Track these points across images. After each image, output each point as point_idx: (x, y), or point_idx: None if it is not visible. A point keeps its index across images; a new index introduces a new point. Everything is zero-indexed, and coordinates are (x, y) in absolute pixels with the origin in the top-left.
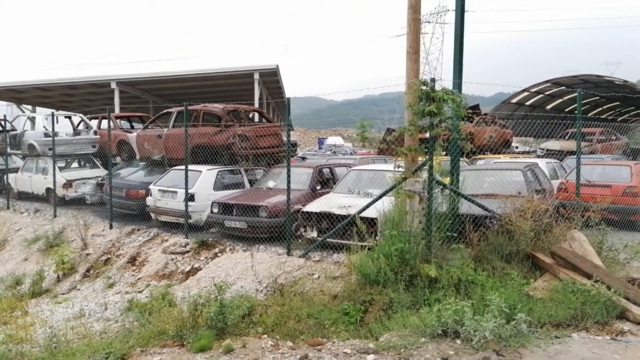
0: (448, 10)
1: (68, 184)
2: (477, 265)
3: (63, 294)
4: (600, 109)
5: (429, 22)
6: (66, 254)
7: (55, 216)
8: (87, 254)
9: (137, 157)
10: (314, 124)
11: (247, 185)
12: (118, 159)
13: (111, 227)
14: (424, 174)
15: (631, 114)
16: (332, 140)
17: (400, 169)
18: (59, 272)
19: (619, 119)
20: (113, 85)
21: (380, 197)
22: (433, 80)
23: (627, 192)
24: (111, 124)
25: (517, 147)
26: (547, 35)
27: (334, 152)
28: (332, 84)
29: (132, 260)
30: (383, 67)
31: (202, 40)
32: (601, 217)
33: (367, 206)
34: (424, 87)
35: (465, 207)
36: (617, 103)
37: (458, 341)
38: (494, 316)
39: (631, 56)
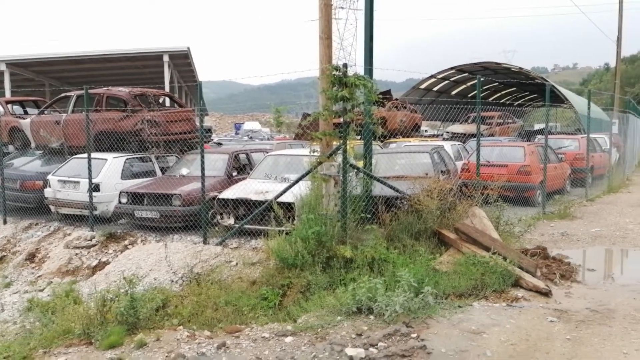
0: None
1: None
2: (389, 244)
3: None
4: (499, 94)
5: (342, 7)
6: None
7: None
8: None
9: (32, 145)
10: (229, 109)
11: (159, 173)
12: (10, 148)
13: (5, 222)
14: (339, 158)
15: (526, 98)
16: (249, 125)
17: (315, 154)
18: None
19: (515, 104)
20: (2, 67)
21: (296, 181)
22: (345, 65)
23: (521, 170)
24: (1, 109)
25: (426, 131)
26: (454, 25)
27: (251, 137)
28: (248, 68)
29: (31, 257)
30: (300, 52)
31: (111, 25)
32: (499, 194)
33: (284, 191)
34: (336, 73)
35: (378, 189)
36: (514, 89)
37: (371, 317)
38: (404, 291)
39: (526, 45)
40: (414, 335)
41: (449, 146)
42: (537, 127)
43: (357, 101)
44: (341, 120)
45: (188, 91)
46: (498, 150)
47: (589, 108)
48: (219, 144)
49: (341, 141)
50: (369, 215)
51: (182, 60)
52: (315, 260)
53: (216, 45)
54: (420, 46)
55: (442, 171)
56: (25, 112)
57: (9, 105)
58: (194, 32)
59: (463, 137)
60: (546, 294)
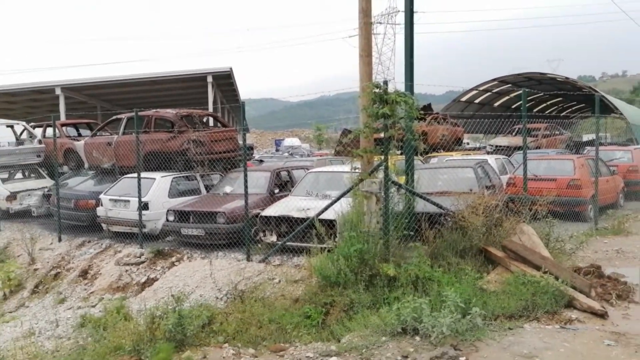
0: (398, 11)
1: (12, 197)
2: (433, 262)
3: (10, 312)
4: (544, 104)
5: (380, 23)
6: (12, 270)
7: None
8: (35, 269)
9: (86, 166)
10: (270, 126)
11: (204, 191)
12: (65, 168)
13: (60, 239)
14: (380, 175)
15: (573, 108)
16: (289, 141)
17: (357, 171)
18: (5, 290)
19: (562, 114)
20: (58, 92)
21: (338, 199)
22: (386, 82)
23: (571, 184)
24: (57, 131)
25: (468, 143)
26: (494, 34)
27: (291, 154)
28: (288, 85)
29: (84, 274)
30: (338, 66)
31: (156, 43)
32: (548, 209)
33: (326, 208)
34: (377, 90)
35: (420, 206)
36: (560, 99)
37: (417, 338)
38: (450, 311)
39: (572, 53)
40: (462, 359)
41: (493, 160)
42: (585, 138)
43: (397, 117)
44: (382, 135)
45: (231, 110)
46: (546, 163)
47: None
48: (261, 161)
49: (382, 158)
50: (411, 233)
51: (224, 81)
52: (358, 279)
53: (257, 63)
54: (460, 56)
55: (486, 186)
56: (79, 134)
57: (64, 128)
58: (235, 51)
59: (508, 150)
60: (602, 315)
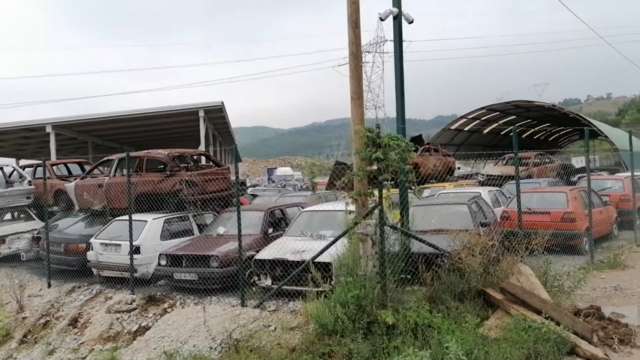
0: (386, 40)
1: (0, 240)
2: (432, 306)
3: None
4: (533, 130)
5: (368, 52)
6: (0, 320)
7: None
8: (24, 318)
9: (76, 207)
10: (262, 153)
11: (197, 231)
12: (56, 209)
13: (49, 285)
14: (376, 215)
15: (561, 133)
16: (282, 170)
17: (351, 215)
18: None
19: (550, 139)
20: (48, 129)
21: (333, 242)
22: (378, 126)
23: (565, 217)
24: (47, 172)
25: (459, 168)
26: (480, 60)
27: (284, 185)
28: (279, 112)
29: (74, 322)
30: (328, 93)
31: (145, 75)
32: (543, 245)
33: (321, 252)
34: (369, 134)
35: (417, 246)
36: (548, 124)
37: None
38: None
39: (557, 76)
40: None
41: (486, 193)
42: (574, 162)
43: (391, 161)
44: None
45: (222, 141)
46: (538, 196)
47: (631, 148)
48: (254, 195)
49: (377, 200)
50: (409, 276)
51: (216, 114)
52: (356, 326)
53: (248, 91)
54: (447, 81)
55: (481, 223)
56: (70, 173)
57: (55, 167)
58: (226, 82)
59: (499, 179)
60: None
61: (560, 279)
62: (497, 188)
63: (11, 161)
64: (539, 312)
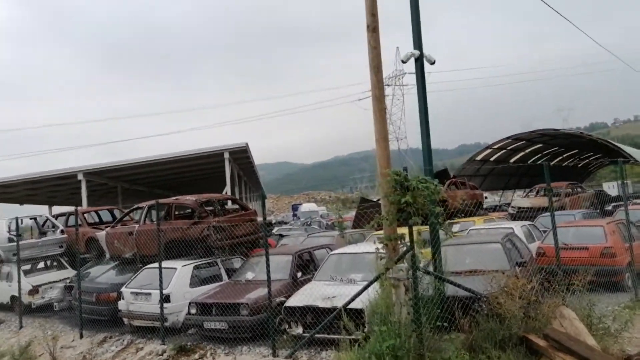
0: (405, 73)
1: (34, 290)
2: (472, 355)
3: None
4: (560, 157)
5: (388, 85)
6: None
7: (21, 327)
8: None
9: (107, 255)
10: (286, 189)
11: (225, 277)
12: (87, 256)
13: (81, 336)
14: (408, 259)
15: (590, 159)
16: (307, 207)
17: (382, 259)
18: None
19: (579, 165)
20: (80, 177)
21: (364, 288)
22: (405, 169)
23: (605, 253)
24: (79, 220)
25: (486, 197)
26: (502, 88)
27: (309, 223)
28: (301, 147)
29: None
30: (350, 127)
31: (174, 117)
32: (583, 282)
33: (353, 299)
34: (397, 177)
35: (451, 289)
36: (576, 151)
37: None
38: None
39: (583, 100)
40: None
41: (519, 228)
42: (605, 187)
43: (421, 205)
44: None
45: (247, 180)
46: (574, 230)
47: None
48: (281, 235)
49: (408, 245)
50: (445, 324)
51: (241, 155)
52: None
53: (270, 128)
54: (469, 110)
55: (517, 263)
56: (100, 220)
57: (86, 215)
58: (248, 120)
59: (531, 212)
60: None
61: (605, 320)
62: (530, 222)
63: (44, 208)
64: None
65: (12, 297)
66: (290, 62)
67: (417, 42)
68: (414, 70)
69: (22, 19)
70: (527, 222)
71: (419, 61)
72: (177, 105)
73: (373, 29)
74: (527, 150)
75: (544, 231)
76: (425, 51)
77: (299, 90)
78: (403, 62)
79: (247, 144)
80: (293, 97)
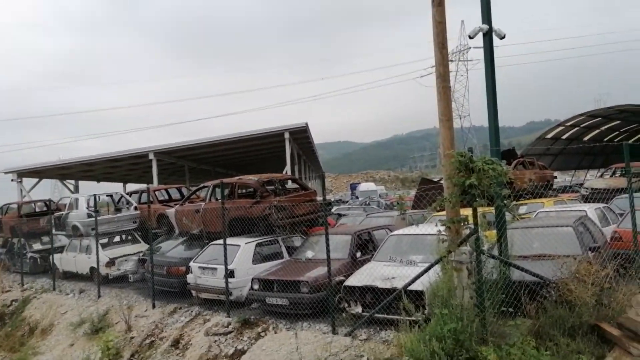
0: (469, 47)
1: (111, 262)
2: (538, 342)
3: None
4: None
5: (452, 60)
6: (111, 340)
7: (99, 296)
8: (131, 338)
9: (176, 231)
10: (345, 168)
11: (286, 254)
12: (158, 231)
13: (154, 306)
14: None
15: None
16: (365, 186)
17: (444, 241)
18: (105, 359)
19: None
20: (151, 156)
21: (426, 270)
22: (471, 150)
23: None
24: (150, 198)
25: (556, 177)
26: (574, 61)
27: (368, 203)
28: (361, 126)
29: (176, 344)
30: (410, 105)
31: (237, 97)
32: None
33: (413, 280)
34: (462, 159)
35: (517, 274)
36: None
37: None
38: None
39: None
40: None
41: (592, 211)
42: None
43: (486, 187)
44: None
45: (307, 159)
46: None
47: None
48: (339, 215)
49: (472, 228)
50: (510, 309)
51: (301, 135)
52: None
53: (332, 107)
54: (537, 86)
55: (590, 248)
56: (170, 197)
57: (156, 193)
58: (311, 99)
59: (606, 193)
60: None
61: None
62: (605, 204)
63: (119, 186)
64: None
65: (91, 269)
66: (351, 42)
67: (487, 16)
68: (479, 45)
69: (94, 9)
70: (601, 205)
71: (488, 36)
72: (239, 86)
73: (439, 2)
74: (602, 128)
75: (621, 214)
76: (494, 25)
77: (359, 69)
78: (470, 37)
79: (306, 123)
80: (354, 76)
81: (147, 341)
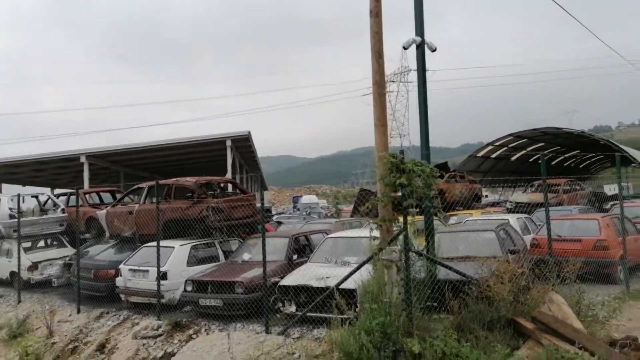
0: (410, 70)
1: (33, 267)
2: (460, 335)
3: None
4: (562, 157)
5: (393, 81)
6: (30, 345)
7: (19, 302)
8: (53, 343)
9: (107, 234)
10: (288, 182)
11: (222, 257)
12: (87, 236)
13: (79, 311)
14: (401, 241)
15: (592, 160)
16: (307, 198)
17: (375, 241)
18: None
19: (580, 166)
20: (82, 159)
21: (357, 268)
22: (402, 152)
23: (598, 245)
24: (79, 200)
25: (486, 196)
26: (507, 88)
27: (309, 213)
28: (305, 141)
29: (101, 348)
30: (355, 122)
31: (179, 106)
32: (575, 273)
33: (345, 278)
34: (393, 160)
35: (443, 273)
36: (578, 151)
37: None
38: None
39: (587, 103)
40: None
41: (514, 220)
42: (607, 189)
43: (415, 187)
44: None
45: (248, 169)
46: (569, 223)
47: None
48: (279, 222)
49: (401, 223)
50: (435, 304)
51: (243, 143)
52: (381, 355)
53: (275, 121)
54: (472, 110)
55: (510, 250)
56: (102, 201)
57: (87, 196)
58: (251, 112)
59: (528, 207)
60: None
61: (594, 308)
62: (527, 215)
63: (47, 190)
64: (572, 342)
65: (12, 273)
66: (298, 57)
67: (419, 29)
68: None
69: (31, 9)
70: (523, 215)
71: (420, 48)
72: (181, 94)
73: (376, 14)
74: (528, 149)
75: (540, 225)
76: (427, 38)
77: (304, 84)
78: (404, 48)
79: (249, 132)
80: (298, 91)
81: (70, 346)
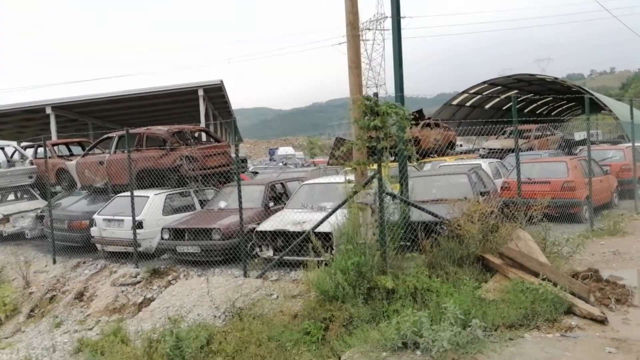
0: (386, 17)
1: (5, 219)
2: (431, 272)
3: (6, 338)
4: (535, 104)
5: (369, 29)
6: (7, 295)
7: None
8: (30, 293)
9: (78, 185)
10: (263, 135)
11: (198, 206)
12: (58, 188)
13: (54, 262)
14: (375, 186)
15: (563, 107)
16: (283, 150)
17: (351, 184)
18: (1, 315)
19: (552, 113)
20: (48, 111)
21: (333, 212)
22: (376, 95)
23: (565, 186)
24: (48, 152)
25: (461, 145)
26: (480, 36)
27: (285, 163)
28: (280, 93)
29: (80, 296)
30: (329, 73)
31: (139, 57)
32: (543, 213)
33: (321, 222)
34: (367, 102)
35: (416, 215)
36: (550, 98)
37: (418, 352)
38: (450, 324)
39: (560, 51)
40: None
41: (486, 164)
42: (577, 136)
43: (389, 129)
44: (375, 144)
45: (223, 123)
46: (539, 166)
47: (631, 115)
48: (255, 173)
49: (376, 169)
50: (408, 243)
51: (216, 93)
52: (356, 292)
53: (249, 73)
54: (448, 58)
55: (481, 192)
56: (71, 153)
57: (56, 147)
58: (226, 62)
59: (500, 153)
60: (602, 321)
61: (559, 244)
62: (498, 160)
63: (12, 143)
64: (536, 275)
65: None
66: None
67: None
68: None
69: None
70: (495, 160)
71: None
72: (148, 42)
73: None
74: (502, 97)
75: (512, 169)
76: None
77: (278, 33)
78: None
79: (222, 81)
80: (273, 40)
81: (48, 295)
